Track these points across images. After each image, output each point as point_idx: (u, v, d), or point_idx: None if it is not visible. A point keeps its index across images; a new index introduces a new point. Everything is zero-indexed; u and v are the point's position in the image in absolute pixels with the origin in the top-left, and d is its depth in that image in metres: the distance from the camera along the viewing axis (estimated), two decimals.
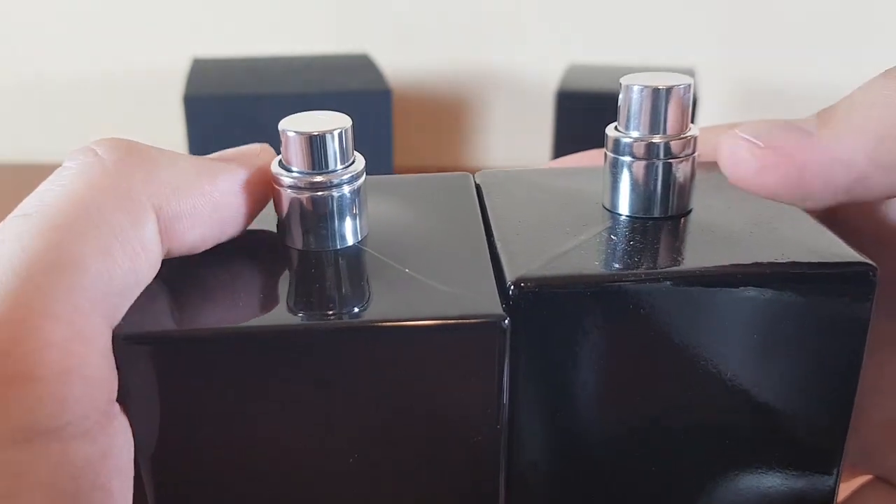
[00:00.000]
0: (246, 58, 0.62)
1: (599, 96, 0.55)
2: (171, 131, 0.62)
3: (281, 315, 0.16)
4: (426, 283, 0.16)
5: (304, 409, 0.16)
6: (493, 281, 0.17)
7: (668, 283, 0.16)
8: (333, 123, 0.17)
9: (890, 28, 0.72)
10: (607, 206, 0.19)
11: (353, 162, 0.18)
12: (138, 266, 0.15)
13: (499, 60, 0.74)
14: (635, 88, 0.18)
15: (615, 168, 0.19)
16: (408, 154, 0.70)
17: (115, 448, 0.15)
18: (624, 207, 0.19)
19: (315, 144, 0.17)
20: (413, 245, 0.18)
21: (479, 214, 0.19)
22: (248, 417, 0.16)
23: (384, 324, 0.15)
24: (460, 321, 0.15)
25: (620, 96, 0.19)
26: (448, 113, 0.75)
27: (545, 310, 0.16)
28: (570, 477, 0.18)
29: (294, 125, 0.17)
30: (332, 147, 0.17)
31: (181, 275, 0.17)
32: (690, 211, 0.19)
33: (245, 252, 0.18)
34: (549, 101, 0.59)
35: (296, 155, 0.17)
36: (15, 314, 0.14)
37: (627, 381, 0.17)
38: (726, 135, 0.17)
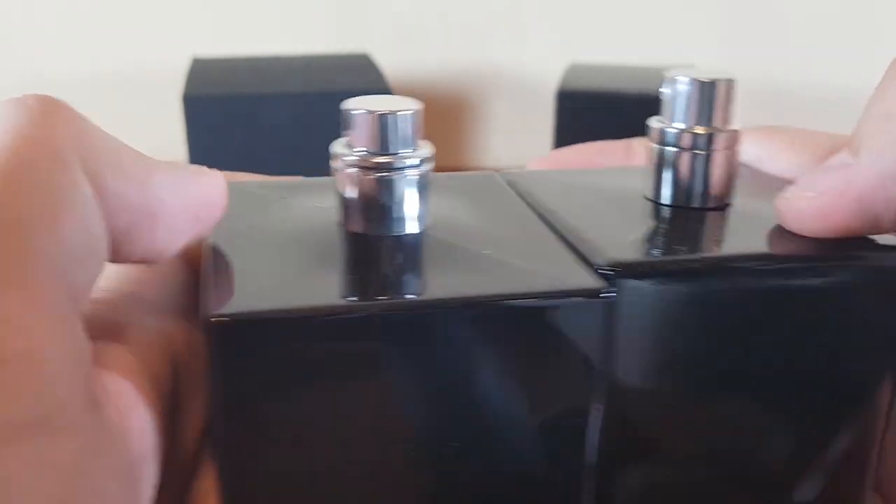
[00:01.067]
0: (246, 57, 0.62)
1: (600, 95, 0.55)
2: (171, 131, 0.61)
3: (388, 294, 0.15)
4: (512, 263, 0.16)
5: (410, 392, 0.15)
6: (578, 262, 0.16)
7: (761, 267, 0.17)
8: (403, 106, 0.17)
9: (891, 27, 0.72)
10: (654, 197, 0.20)
11: (421, 147, 0.17)
12: (87, 225, 0.13)
13: (499, 60, 0.74)
14: (684, 81, 0.19)
15: (665, 159, 0.19)
16: None
17: (112, 442, 0.13)
18: (672, 198, 0.20)
19: (390, 124, 0.16)
20: (477, 233, 0.17)
21: (527, 206, 0.19)
22: (353, 403, 0.15)
23: (498, 300, 0.15)
24: (564, 292, 0.15)
25: (667, 90, 0.20)
26: (448, 113, 0.75)
27: (638, 295, 0.16)
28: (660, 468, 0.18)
29: (365, 105, 0.16)
30: (406, 127, 0.17)
31: (247, 263, 0.16)
32: (728, 204, 0.20)
33: (308, 235, 0.17)
34: (549, 101, 0.59)
35: (363, 134, 0.16)
36: None
37: (717, 365, 0.17)
38: (779, 199, 0.18)
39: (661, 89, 0.20)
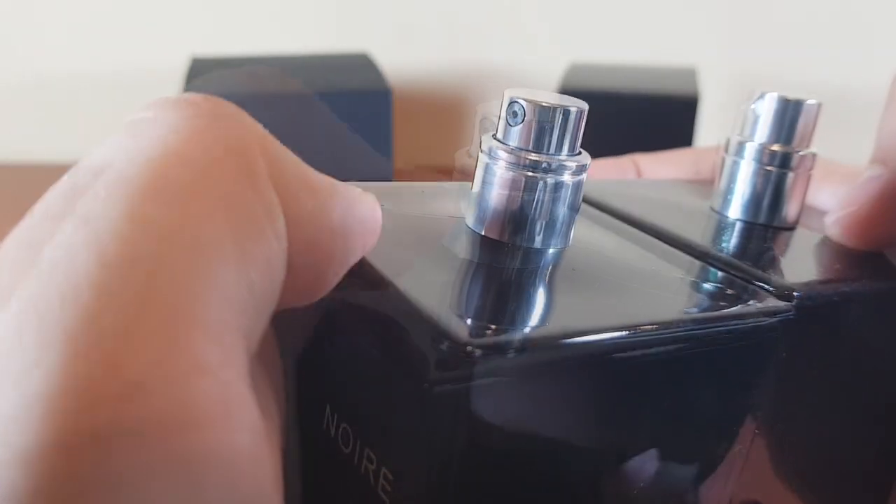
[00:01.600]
0: (246, 57, 0.62)
1: (600, 95, 0.55)
2: None
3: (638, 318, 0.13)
4: (687, 279, 0.15)
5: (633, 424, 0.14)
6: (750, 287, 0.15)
7: None
8: (570, 103, 0.15)
9: (891, 27, 0.72)
10: (717, 208, 0.20)
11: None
12: (274, 268, 0.10)
13: (499, 60, 0.74)
14: (775, 98, 0.19)
15: (745, 173, 0.20)
16: (408, 154, 0.70)
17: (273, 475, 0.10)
18: (730, 210, 0.20)
19: (547, 119, 0.14)
20: (612, 254, 0.16)
21: (624, 222, 0.19)
22: (587, 438, 0.13)
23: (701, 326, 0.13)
24: (761, 313, 0.14)
25: (754, 106, 0.20)
26: (448, 113, 0.75)
27: (816, 318, 0.15)
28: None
29: (525, 92, 0.15)
30: (567, 126, 0.15)
31: (437, 285, 0.13)
32: (795, 226, 0.20)
33: (486, 252, 0.15)
34: None
35: (518, 127, 0.14)
36: (158, 324, 0.08)
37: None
38: (827, 220, 0.19)
39: (750, 105, 0.20)
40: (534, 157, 0.14)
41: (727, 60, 0.73)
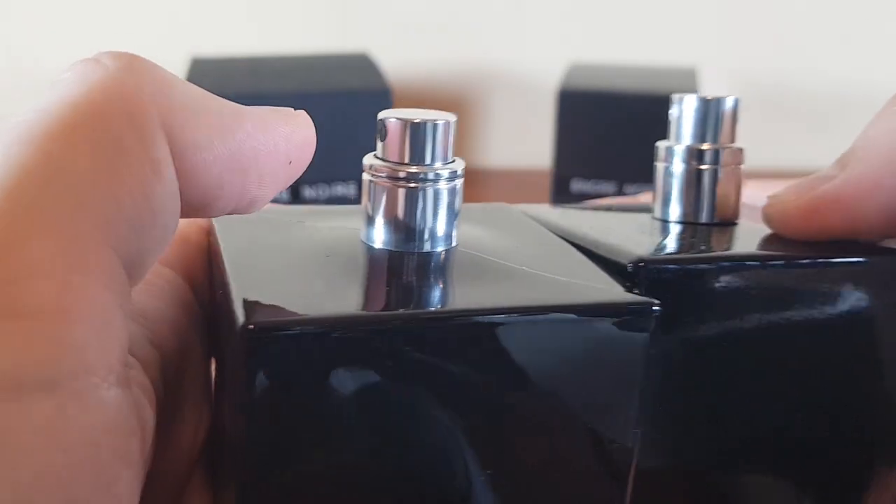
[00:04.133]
0: (246, 57, 0.62)
1: (601, 95, 0.55)
2: None
3: (421, 304, 0.14)
4: (551, 277, 0.16)
5: (441, 405, 0.14)
6: (607, 276, 0.16)
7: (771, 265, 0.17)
8: (438, 116, 0.16)
9: (891, 27, 0.72)
10: (663, 216, 0.20)
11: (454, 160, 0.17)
12: (151, 191, 0.12)
13: (499, 59, 0.74)
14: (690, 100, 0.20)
15: (672, 177, 0.20)
16: None
17: (127, 428, 0.12)
18: (669, 214, 0.20)
19: (419, 133, 0.16)
20: (506, 250, 0.17)
21: (544, 228, 0.19)
22: (378, 416, 0.14)
23: (539, 312, 0.14)
24: (617, 306, 0.15)
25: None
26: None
27: (665, 289, 0.16)
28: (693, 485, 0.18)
29: (396, 114, 0.16)
30: (438, 138, 0.16)
31: (270, 277, 0.15)
32: (736, 222, 0.20)
33: (333, 252, 0.17)
34: (549, 101, 0.59)
35: (397, 143, 0.16)
36: (0, 236, 0.11)
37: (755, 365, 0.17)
38: (766, 203, 0.19)
39: (671, 110, 0.20)
40: (411, 169, 0.16)
41: (727, 60, 0.73)
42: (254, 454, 0.14)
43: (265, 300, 0.14)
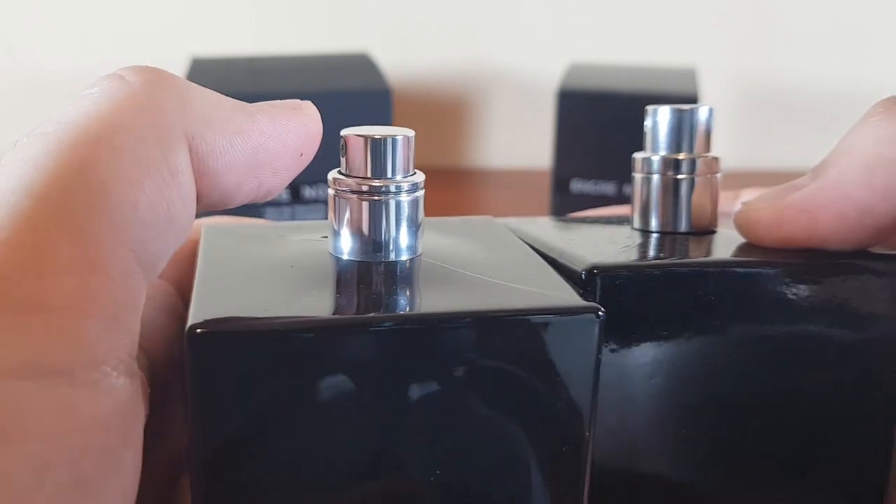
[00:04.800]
0: (246, 57, 0.62)
1: (600, 95, 0.55)
2: None
3: (372, 308, 0.15)
4: (505, 285, 0.16)
5: (391, 408, 0.15)
6: (569, 286, 0.16)
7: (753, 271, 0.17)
8: (397, 132, 0.17)
9: (891, 27, 0.72)
10: (637, 226, 0.21)
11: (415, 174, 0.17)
12: (168, 197, 0.14)
13: (499, 60, 0.74)
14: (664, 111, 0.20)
15: (648, 187, 0.21)
16: None
17: (133, 416, 0.13)
18: (647, 225, 0.21)
19: (380, 148, 0.17)
20: (469, 260, 0.18)
21: (517, 239, 0.20)
22: (326, 418, 0.15)
23: (487, 314, 0.15)
24: (562, 310, 0.15)
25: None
26: (448, 113, 0.75)
27: (620, 295, 0.17)
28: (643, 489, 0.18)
29: (357, 131, 0.17)
30: (397, 152, 0.17)
31: (233, 285, 0.16)
32: (714, 231, 0.20)
33: (298, 262, 0.17)
34: (549, 101, 0.59)
35: (361, 160, 0.17)
36: (27, 237, 0.12)
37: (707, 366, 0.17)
38: (736, 210, 0.19)
39: (646, 122, 0.20)
40: (374, 182, 0.17)
41: (727, 61, 0.73)
42: (201, 454, 0.15)
43: (218, 305, 0.15)
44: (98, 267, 0.12)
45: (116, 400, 0.12)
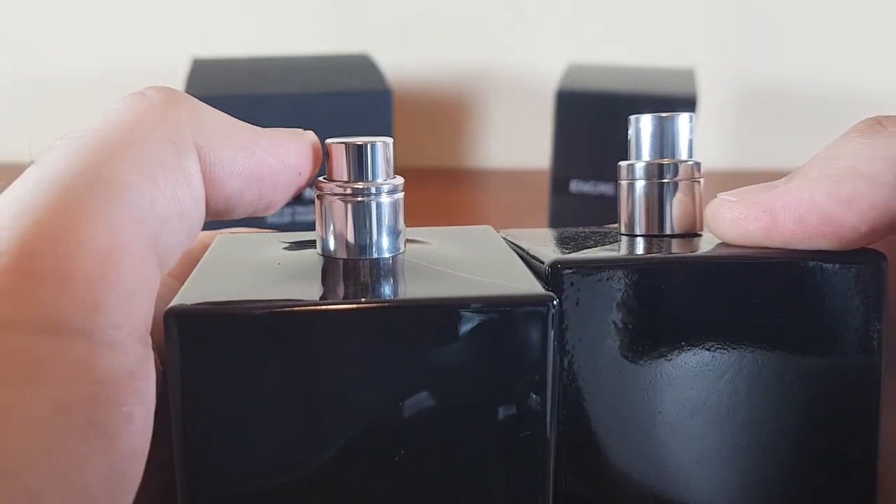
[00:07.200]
0: (246, 58, 0.62)
1: (599, 96, 0.55)
2: None
3: (340, 296, 0.16)
4: (472, 278, 0.17)
5: (353, 393, 0.16)
6: (534, 279, 0.17)
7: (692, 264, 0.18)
8: (375, 139, 0.18)
9: (891, 27, 0.72)
10: (628, 230, 0.21)
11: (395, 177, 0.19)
12: (181, 195, 0.16)
13: (499, 60, 0.74)
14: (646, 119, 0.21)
15: (632, 192, 0.21)
16: (408, 154, 0.70)
17: (144, 377, 0.14)
18: (633, 230, 0.21)
19: (360, 153, 0.18)
20: (447, 259, 0.19)
21: (504, 243, 0.20)
22: (299, 403, 0.16)
23: (437, 302, 0.16)
24: (513, 299, 0.16)
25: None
26: (448, 113, 0.75)
27: (584, 289, 0.17)
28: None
29: (340, 139, 0.18)
30: (377, 157, 0.18)
31: (223, 278, 0.17)
32: (699, 234, 0.21)
33: (287, 260, 0.18)
34: (549, 101, 0.59)
35: (341, 164, 0.18)
36: (55, 217, 0.14)
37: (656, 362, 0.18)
38: (707, 204, 0.20)
39: (629, 131, 0.21)
40: (357, 185, 0.18)
41: (726, 61, 0.73)
42: (182, 441, 0.16)
43: (200, 292, 0.16)
44: (118, 246, 0.14)
45: (129, 361, 0.14)
